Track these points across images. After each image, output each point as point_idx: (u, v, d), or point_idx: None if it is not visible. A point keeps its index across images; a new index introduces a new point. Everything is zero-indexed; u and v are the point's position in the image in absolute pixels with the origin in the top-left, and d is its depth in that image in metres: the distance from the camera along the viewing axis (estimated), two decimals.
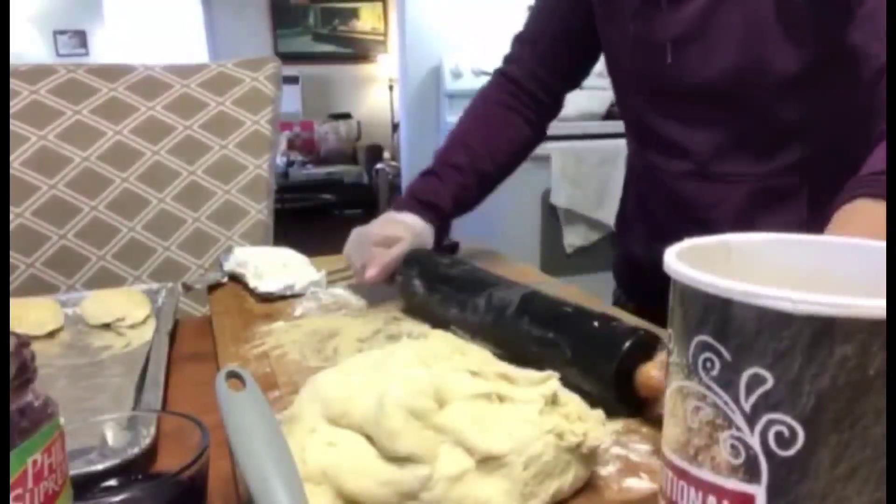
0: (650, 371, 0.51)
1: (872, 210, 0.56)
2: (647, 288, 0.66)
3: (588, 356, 0.55)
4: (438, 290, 0.72)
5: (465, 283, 0.70)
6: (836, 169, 0.77)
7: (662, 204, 0.91)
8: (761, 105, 0.77)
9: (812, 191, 0.79)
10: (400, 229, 0.84)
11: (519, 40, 1.00)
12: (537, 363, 0.54)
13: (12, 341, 0.30)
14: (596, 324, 0.57)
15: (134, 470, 0.45)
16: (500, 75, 1.00)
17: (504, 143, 0.96)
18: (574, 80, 1.00)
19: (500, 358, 0.50)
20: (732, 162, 0.81)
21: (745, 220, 0.81)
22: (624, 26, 0.84)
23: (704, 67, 0.78)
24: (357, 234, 0.86)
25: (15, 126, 1.11)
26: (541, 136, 1.02)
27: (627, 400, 0.52)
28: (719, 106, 0.80)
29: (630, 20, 0.83)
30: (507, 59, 1.01)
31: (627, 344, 0.52)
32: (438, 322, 0.71)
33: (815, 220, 0.76)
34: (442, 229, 0.92)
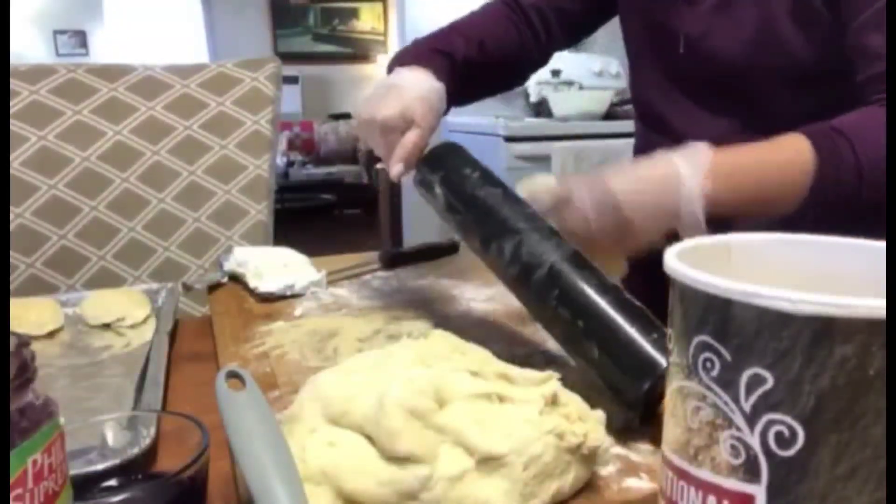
0: None
1: None
2: (650, 284, 0.66)
3: (617, 367, 0.50)
4: (460, 211, 0.65)
5: (492, 216, 0.61)
6: None
7: None
8: (770, 98, 0.78)
9: None
10: (409, 103, 0.72)
11: None
12: (558, 340, 0.53)
13: (12, 341, 0.30)
14: (633, 332, 0.51)
15: (134, 470, 0.45)
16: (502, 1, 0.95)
17: (506, 37, 0.90)
18: (576, 33, 0.97)
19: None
20: None
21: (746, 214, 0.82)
22: (642, 12, 0.86)
23: (716, 61, 0.78)
24: (358, 115, 0.76)
25: (15, 126, 1.11)
26: (532, 60, 0.96)
27: (647, 418, 0.49)
28: (728, 97, 0.80)
29: (647, 8, 0.84)
30: None
31: (663, 368, 0.47)
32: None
33: (819, 216, 0.77)
34: (450, 92, 0.79)
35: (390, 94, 0.74)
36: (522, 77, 0.98)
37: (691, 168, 0.63)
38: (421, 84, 0.75)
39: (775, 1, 0.73)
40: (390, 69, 0.81)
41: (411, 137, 0.70)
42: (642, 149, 0.95)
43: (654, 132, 0.90)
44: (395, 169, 0.70)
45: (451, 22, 0.94)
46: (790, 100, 0.77)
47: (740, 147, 0.66)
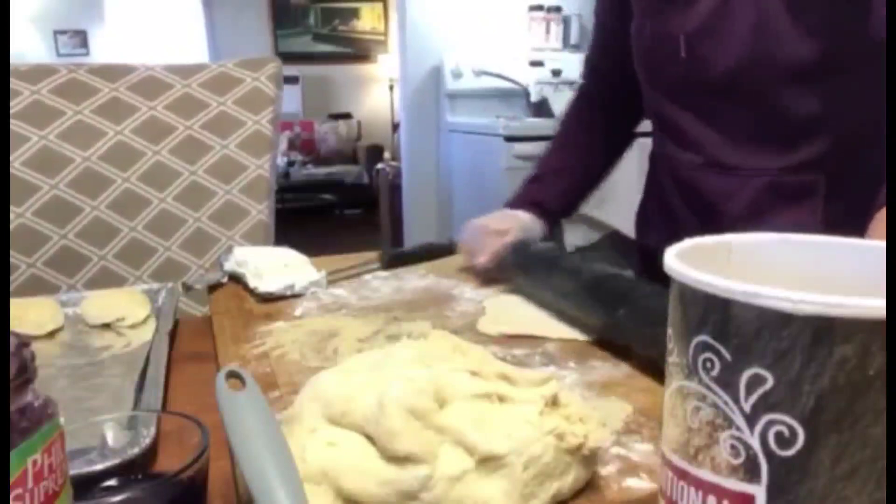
0: None
1: None
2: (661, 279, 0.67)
3: None
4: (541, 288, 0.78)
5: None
6: (855, 167, 0.78)
7: (678, 196, 0.93)
8: (774, 98, 0.78)
9: (830, 189, 0.79)
10: (509, 221, 0.93)
11: (587, 59, 1.09)
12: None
13: (12, 341, 0.30)
14: None
15: (134, 470, 0.45)
16: (579, 89, 1.10)
17: (592, 148, 1.04)
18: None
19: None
20: (745, 155, 0.82)
21: (759, 216, 0.82)
22: (640, 20, 0.88)
23: (717, 61, 0.79)
24: (472, 225, 0.93)
25: (16, 126, 1.11)
26: (624, 141, 1.08)
27: None
28: (732, 99, 0.80)
29: (647, 15, 0.87)
30: (582, 76, 1.10)
31: None
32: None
33: (832, 220, 0.78)
34: (552, 224, 1.00)
35: (497, 217, 0.96)
36: (629, 141, 1.10)
37: None
38: (520, 214, 0.97)
39: None
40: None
41: (505, 239, 0.87)
42: (658, 145, 0.97)
43: (671, 141, 0.91)
44: (482, 258, 0.87)
45: (557, 143, 1.08)
46: (794, 98, 0.77)
47: None
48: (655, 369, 0.57)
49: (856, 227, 0.77)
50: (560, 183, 1.02)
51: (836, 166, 0.78)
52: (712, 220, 0.86)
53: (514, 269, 0.84)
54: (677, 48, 0.82)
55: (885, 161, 0.76)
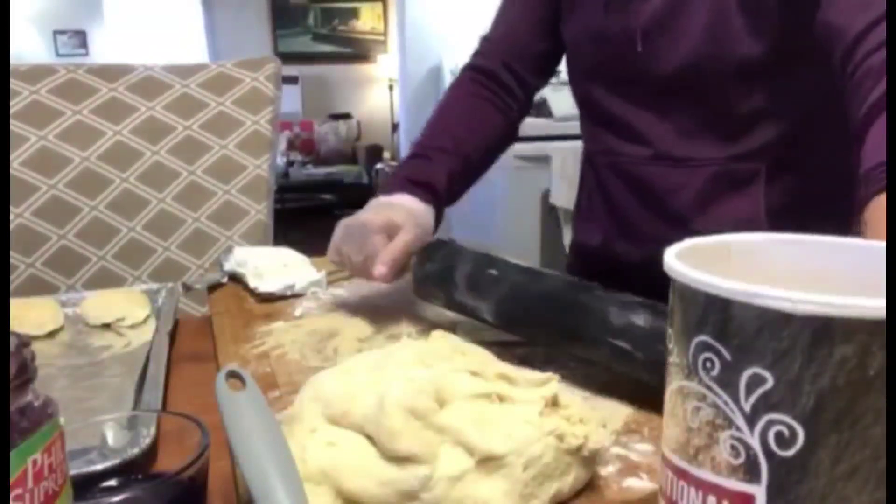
0: None
1: None
2: (604, 278, 0.65)
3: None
4: (479, 302, 0.65)
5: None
6: (794, 154, 0.81)
7: (622, 190, 0.91)
8: (725, 92, 0.79)
9: (769, 176, 0.81)
10: (399, 214, 0.76)
11: (488, 36, 0.99)
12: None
13: (12, 341, 0.30)
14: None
15: (134, 470, 0.45)
16: (471, 69, 0.98)
17: (484, 129, 0.94)
18: (545, 72, 1.00)
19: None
20: (694, 147, 0.82)
21: (704, 206, 0.83)
22: (590, 14, 0.85)
23: (672, 55, 0.79)
24: (346, 226, 0.77)
25: (15, 126, 1.11)
26: (514, 130, 1.01)
27: None
28: (684, 93, 0.81)
29: (602, 9, 0.83)
30: (476, 54, 1.00)
31: None
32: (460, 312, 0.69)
33: (773, 205, 0.80)
34: (437, 215, 0.86)
35: (378, 209, 0.79)
36: (513, 138, 1.02)
37: None
38: (406, 202, 0.81)
39: None
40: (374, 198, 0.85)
41: (400, 240, 0.72)
42: (594, 139, 0.95)
43: (615, 136, 0.89)
44: (379, 270, 0.70)
45: (437, 124, 0.95)
46: (742, 93, 0.78)
47: None
48: (655, 370, 0.57)
49: (794, 211, 0.79)
50: (448, 163, 0.87)
51: (779, 153, 0.80)
52: (663, 211, 0.85)
53: (434, 281, 0.69)
54: (633, 42, 0.81)
55: (826, 149, 0.79)
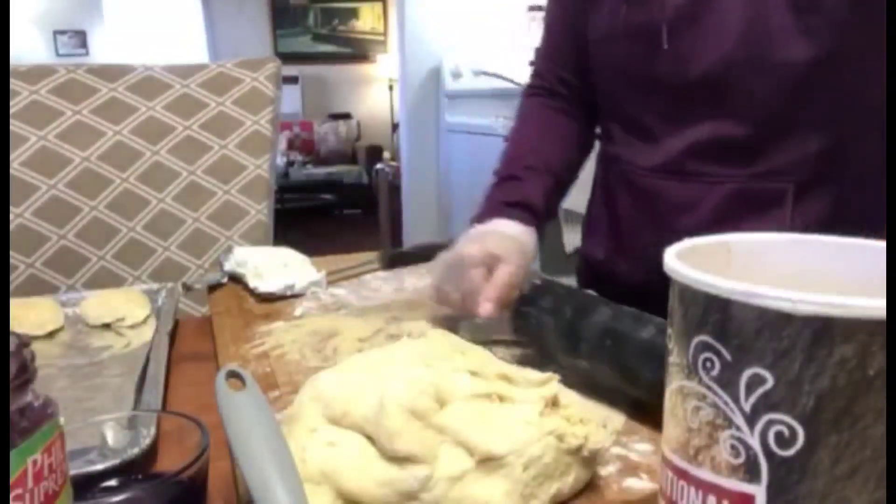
0: None
1: None
2: (607, 295, 0.62)
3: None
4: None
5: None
6: (828, 173, 0.72)
7: (626, 204, 0.84)
8: (758, 98, 0.71)
9: (797, 197, 0.73)
10: (498, 243, 0.71)
11: (539, 52, 0.96)
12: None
13: (12, 341, 0.30)
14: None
15: (134, 470, 0.45)
16: (530, 89, 0.96)
17: (563, 141, 0.90)
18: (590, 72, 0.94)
19: None
20: (712, 160, 0.74)
21: (719, 228, 0.73)
22: (613, 11, 0.78)
23: (702, 54, 0.71)
24: (443, 261, 0.72)
25: (15, 126, 1.11)
26: (591, 135, 0.95)
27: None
28: (710, 97, 0.73)
29: (623, 3, 0.77)
30: (533, 75, 0.97)
31: None
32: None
33: (797, 231, 0.72)
34: (539, 235, 0.80)
35: (476, 239, 0.73)
36: (592, 143, 0.96)
37: None
38: (503, 227, 0.76)
39: None
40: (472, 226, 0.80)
41: (503, 274, 0.67)
42: (605, 154, 0.89)
43: (628, 143, 0.83)
44: (484, 308, 0.65)
45: (517, 144, 0.90)
46: (777, 105, 0.71)
47: None
48: (611, 378, 0.56)
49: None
50: (539, 180, 0.84)
51: (808, 173, 0.72)
52: (670, 231, 0.70)
53: (535, 320, 0.62)
54: (658, 40, 0.73)
55: (863, 168, 0.71)
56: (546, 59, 0.95)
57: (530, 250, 0.76)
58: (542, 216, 0.82)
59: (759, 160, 0.73)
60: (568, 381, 0.56)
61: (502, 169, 0.87)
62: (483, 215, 0.80)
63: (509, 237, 0.74)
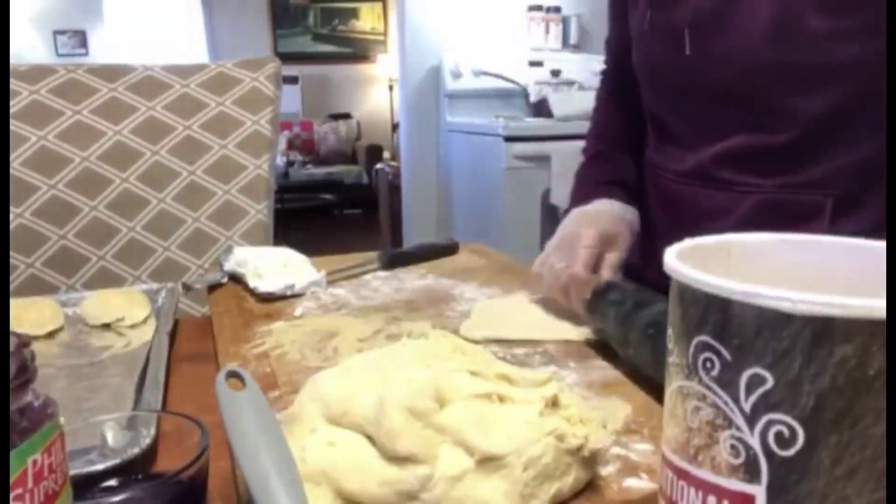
0: None
1: None
2: None
3: None
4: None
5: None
6: (869, 189, 0.68)
7: (657, 208, 0.84)
8: (793, 107, 0.68)
9: (836, 212, 0.69)
10: (615, 226, 0.74)
11: (606, 42, 0.97)
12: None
13: (12, 341, 0.30)
14: None
15: (134, 470, 0.45)
16: (602, 74, 0.98)
17: (635, 123, 0.90)
18: None
19: None
20: (743, 168, 0.72)
21: None
22: (643, 12, 0.77)
23: (728, 59, 0.69)
24: (554, 244, 0.75)
25: (15, 126, 1.11)
26: None
27: None
28: (740, 104, 0.71)
29: (648, 6, 0.76)
30: (606, 62, 0.99)
31: None
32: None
33: None
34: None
35: (589, 221, 0.76)
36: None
37: None
38: (613, 207, 0.79)
39: None
40: (568, 210, 0.84)
41: (612, 259, 0.71)
42: (648, 155, 0.88)
43: (659, 148, 0.83)
44: (608, 271, 0.70)
45: (592, 138, 0.93)
46: (818, 110, 0.67)
47: None
48: (654, 370, 0.57)
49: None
50: (628, 159, 0.87)
51: (847, 186, 0.68)
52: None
53: (600, 313, 0.65)
54: (681, 44, 0.71)
55: None
56: (609, 49, 0.96)
57: (637, 229, 0.80)
58: (636, 193, 0.85)
59: (794, 171, 0.70)
60: (623, 372, 0.59)
61: (590, 148, 0.90)
62: (582, 195, 0.82)
63: (620, 218, 0.77)
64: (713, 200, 0.75)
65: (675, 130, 0.79)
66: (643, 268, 0.84)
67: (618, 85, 0.93)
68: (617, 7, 0.89)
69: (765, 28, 0.66)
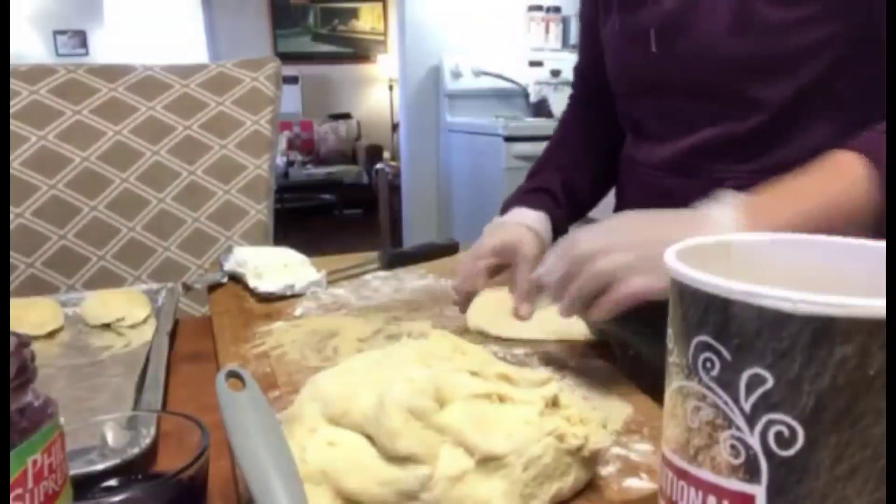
0: None
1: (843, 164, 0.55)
2: None
3: None
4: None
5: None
6: None
7: (636, 202, 0.83)
8: (752, 95, 0.71)
9: None
10: (512, 230, 0.76)
11: (576, 68, 1.00)
12: None
13: (12, 341, 0.30)
14: None
15: (134, 470, 0.45)
16: (569, 99, 1.01)
17: (595, 142, 0.94)
18: None
19: None
20: (716, 157, 0.75)
21: None
22: (612, 18, 0.81)
23: (690, 55, 0.72)
24: (462, 258, 0.77)
25: (15, 126, 1.11)
26: (621, 145, 0.97)
27: None
28: (706, 96, 0.73)
29: (616, 10, 0.79)
30: (573, 84, 1.02)
31: None
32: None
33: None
34: (558, 225, 0.84)
35: (492, 230, 0.79)
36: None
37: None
38: (524, 216, 0.80)
39: None
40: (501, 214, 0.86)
41: (522, 274, 0.71)
42: (627, 152, 0.90)
43: (634, 143, 0.86)
44: (524, 310, 0.69)
45: (540, 159, 0.96)
46: (782, 99, 0.70)
47: (782, 186, 0.60)
48: (655, 369, 0.57)
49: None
50: (561, 173, 0.89)
51: None
52: None
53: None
54: (648, 43, 0.75)
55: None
56: (579, 68, 0.99)
57: (543, 233, 0.79)
58: (561, 202, 0.86)
59: (765, 154, 0.73)
60: (624, 372, 0.59)
61: (531, 169, 0.93)
62: (504, 207, 0.85)
63: (521, 225, 0.78)
64: (689, 189, 0.75)
65: (648, 127, 0.82)
66: None
67: (584, 109, 0.98)
68: (588, 27, 0.92)
69: (724, 25, 0.69)
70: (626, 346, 0.60)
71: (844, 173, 0.59)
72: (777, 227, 0.52)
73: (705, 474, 0.30)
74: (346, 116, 6.79)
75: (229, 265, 0.91)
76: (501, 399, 0.44)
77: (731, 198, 0.60)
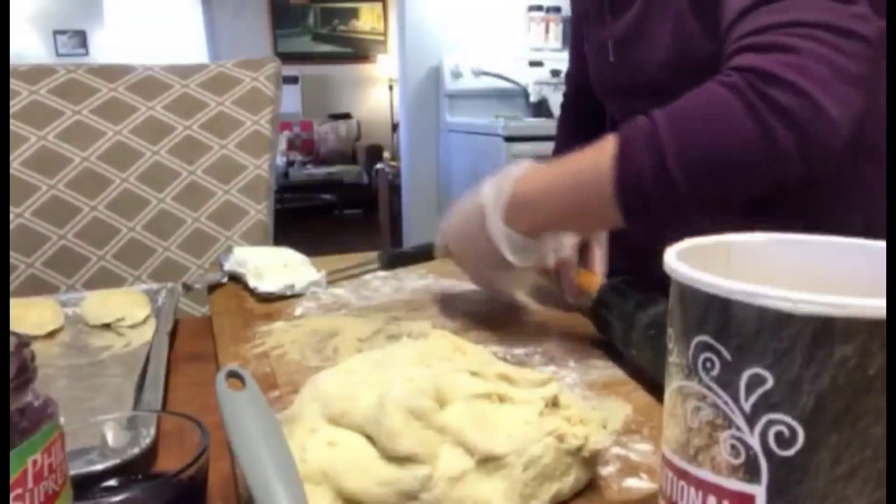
0: None
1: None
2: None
3: None
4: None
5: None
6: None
7: None
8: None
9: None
10: None
11: (567, 74, 1.11)
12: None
13: (12, 341, 0.30)
14: None
15: (134, 470, 0.45)
16: (560, 108, 1.12)
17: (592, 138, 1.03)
18: None
19: None
20: None
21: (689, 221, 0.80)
22: (588, 34, 0.94)
23: (643, 65, 0.81)
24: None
25: (15, 126, 1.11)
26: None
27: None
28: (656, 96, 0.77)
29: (589, 27, 0.93)
30: (564, 95, 1.13)
31: None
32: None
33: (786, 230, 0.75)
34: None
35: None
36: None
37: (494, 199, 0.67)
38: None
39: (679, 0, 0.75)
40: None
41: (598, 261, 0.76)
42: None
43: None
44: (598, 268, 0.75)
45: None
46: None
47: (552, 162, 0.69)
48: (655, 370, 0.57)
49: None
50: None
51: None
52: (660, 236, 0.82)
53: (604, 316, 0.67)
54: (607, 53, 0.86)
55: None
56: (568, 81, 1.11)
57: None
58: None
59: None
60: (624, 372, 0.60)
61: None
62: None
63: None
64: None
65: (619, 123, 0.88)
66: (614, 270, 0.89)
67: (574, 111, 1.10)
68: (576, 39, 1.04)
69: (666, 36, 0.78)
70: (629, 345, 0.61)
71: (602, 148, 0.65)
72: (529, 191, 0.66)
73: (705, 474, 0.30)
74: (346, 116, 6.80)
75: (229, 265, 0.91)
76: (501, 399, 0.44)
77: (506, 183, 0.67)
